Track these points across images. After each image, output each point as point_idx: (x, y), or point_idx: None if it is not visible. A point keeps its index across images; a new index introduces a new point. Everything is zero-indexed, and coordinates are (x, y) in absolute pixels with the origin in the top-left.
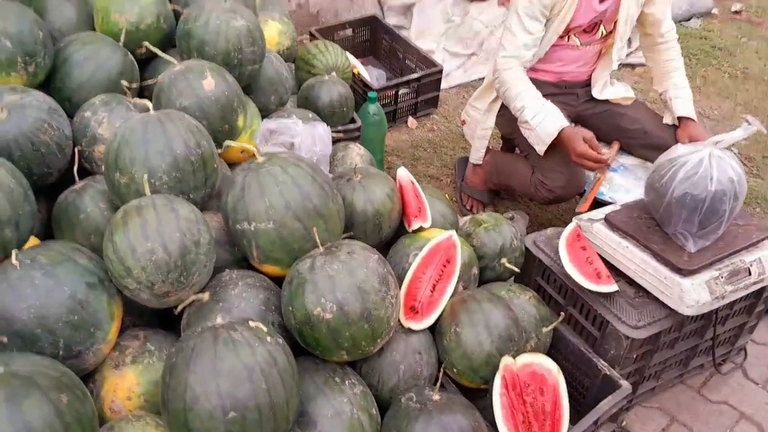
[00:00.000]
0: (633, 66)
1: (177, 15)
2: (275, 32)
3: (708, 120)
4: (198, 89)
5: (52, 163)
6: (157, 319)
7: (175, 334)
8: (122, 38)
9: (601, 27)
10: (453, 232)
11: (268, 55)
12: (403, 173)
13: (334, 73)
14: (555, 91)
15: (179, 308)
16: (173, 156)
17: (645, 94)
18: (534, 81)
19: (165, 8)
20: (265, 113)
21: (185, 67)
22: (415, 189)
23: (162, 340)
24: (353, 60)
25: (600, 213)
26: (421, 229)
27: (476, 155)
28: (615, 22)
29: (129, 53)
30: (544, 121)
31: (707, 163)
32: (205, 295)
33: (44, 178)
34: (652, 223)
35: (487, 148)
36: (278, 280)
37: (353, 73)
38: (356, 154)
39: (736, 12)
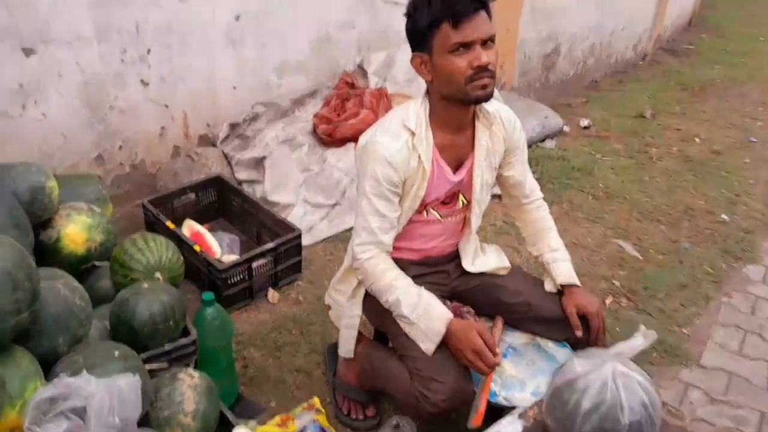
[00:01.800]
0: (500, 197)
1: None
2: (82, 228)
3: (583, 249)
4: None
5: None
6: None
7: None
8: None
9: (460, 197)
10: None
11: (53, 284)
12: None
13: (158, 275)
14: (423, 270)
15: None
16: None
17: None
18: (396, 262)
19: None
20: (53, 359)
21: None
22: None
23: None
24: (199, 228)
25: None
26: None
27: (345, 347)
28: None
29: None
30: (425, 315)
31: (613, 387)
32: None
33: None
34: None
35: (360, 335)
36: None
37: (196, 252)
38: (187, 386)
39: (585, 127)
